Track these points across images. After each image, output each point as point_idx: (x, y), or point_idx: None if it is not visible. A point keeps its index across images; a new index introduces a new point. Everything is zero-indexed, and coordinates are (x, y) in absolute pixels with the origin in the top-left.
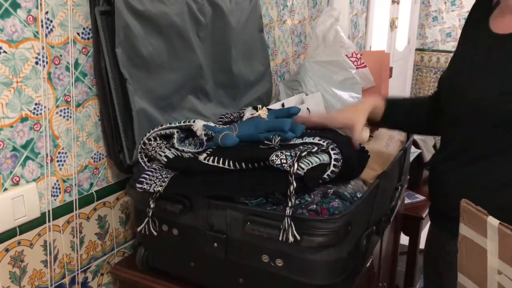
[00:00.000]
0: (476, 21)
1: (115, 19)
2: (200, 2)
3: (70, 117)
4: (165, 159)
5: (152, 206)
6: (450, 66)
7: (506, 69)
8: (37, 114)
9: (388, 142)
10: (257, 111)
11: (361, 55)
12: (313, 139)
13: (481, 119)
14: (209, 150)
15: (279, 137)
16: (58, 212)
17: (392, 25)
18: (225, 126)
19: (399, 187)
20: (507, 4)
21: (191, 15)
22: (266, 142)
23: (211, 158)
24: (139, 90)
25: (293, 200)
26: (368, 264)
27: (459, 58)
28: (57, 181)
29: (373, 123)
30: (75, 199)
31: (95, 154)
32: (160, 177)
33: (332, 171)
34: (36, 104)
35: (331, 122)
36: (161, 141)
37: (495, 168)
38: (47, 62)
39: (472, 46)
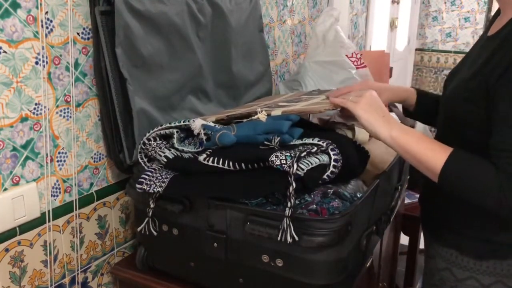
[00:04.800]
0: (488, 27)
1: (115, 19)
2: (200, 2)
3: (70, 117)
4: (165, 160)
5: (152, 206)
6: None
7: (470, 66)
8: (37, 114)
9: None
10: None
11: (361, 55)
12: (312, 139)
13: (441, 115)
14: (209, 150)
15: (279, 138)
16: (58, 212)
17: (392, 25)
18: (224, 126)
19: (399, 187)
20: (501, 6)
21: (191, 15)
22: (265, 142)
23: (211, 158)
24: (139, 90)
25: (292, 201)
26: (368, 264)
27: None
28: (57, 181)
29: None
30: (75, 199)
31: (95, 154)
32: (160, 177)
33: (332, 172)
34: (36, 104)
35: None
36: (161, 141)
37: None
38: (47, 62)
39: (471, 49)
